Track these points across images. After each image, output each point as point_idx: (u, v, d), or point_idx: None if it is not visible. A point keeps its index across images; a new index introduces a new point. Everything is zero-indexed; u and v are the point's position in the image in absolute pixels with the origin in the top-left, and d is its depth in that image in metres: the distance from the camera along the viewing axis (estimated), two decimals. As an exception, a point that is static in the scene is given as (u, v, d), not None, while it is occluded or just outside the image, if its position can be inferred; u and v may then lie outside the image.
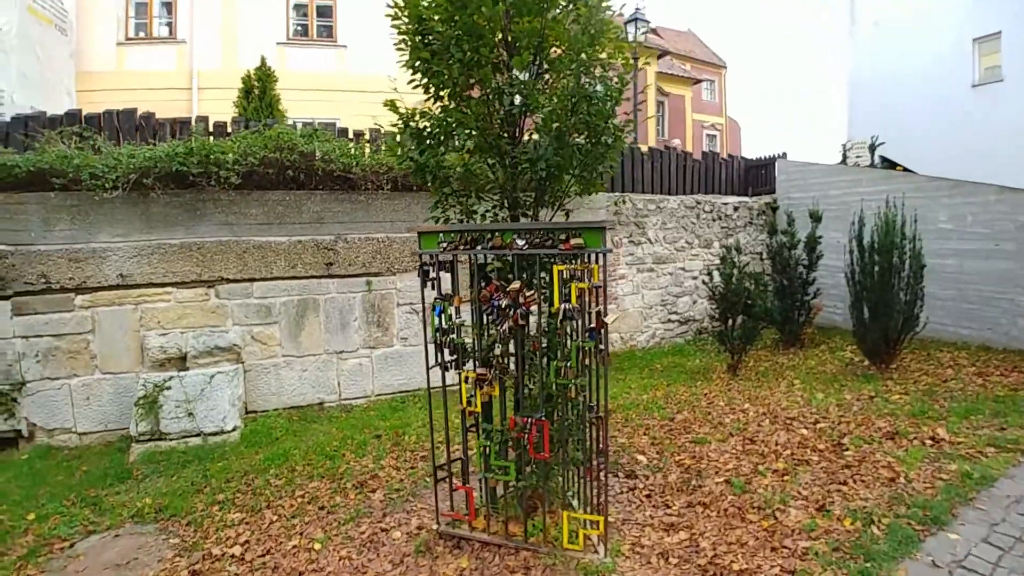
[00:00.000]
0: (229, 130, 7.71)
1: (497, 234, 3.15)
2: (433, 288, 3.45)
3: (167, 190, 6.32)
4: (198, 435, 5.90)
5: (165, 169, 6.14)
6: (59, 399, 6.04)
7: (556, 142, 3.33)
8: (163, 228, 6.43)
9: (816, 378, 7.10)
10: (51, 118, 7.09)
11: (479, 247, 3.21)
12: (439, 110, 3.29)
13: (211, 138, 6.97)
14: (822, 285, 8.99)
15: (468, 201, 3.57)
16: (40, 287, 6.02)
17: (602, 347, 3.07)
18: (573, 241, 2.92)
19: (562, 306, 3.00)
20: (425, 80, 3.20)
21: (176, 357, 6.43)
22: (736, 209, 10.39)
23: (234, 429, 6.08)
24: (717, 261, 9.89)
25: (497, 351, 3.27)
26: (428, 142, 3.35)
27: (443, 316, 3.38)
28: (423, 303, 3.46)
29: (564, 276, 3.01)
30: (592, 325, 3.04)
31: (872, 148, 13.19)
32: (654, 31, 25.32)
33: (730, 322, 7.58)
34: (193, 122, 7.77)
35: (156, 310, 6.43)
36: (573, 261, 3.00)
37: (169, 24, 12.42)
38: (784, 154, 12.56)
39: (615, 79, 3.26)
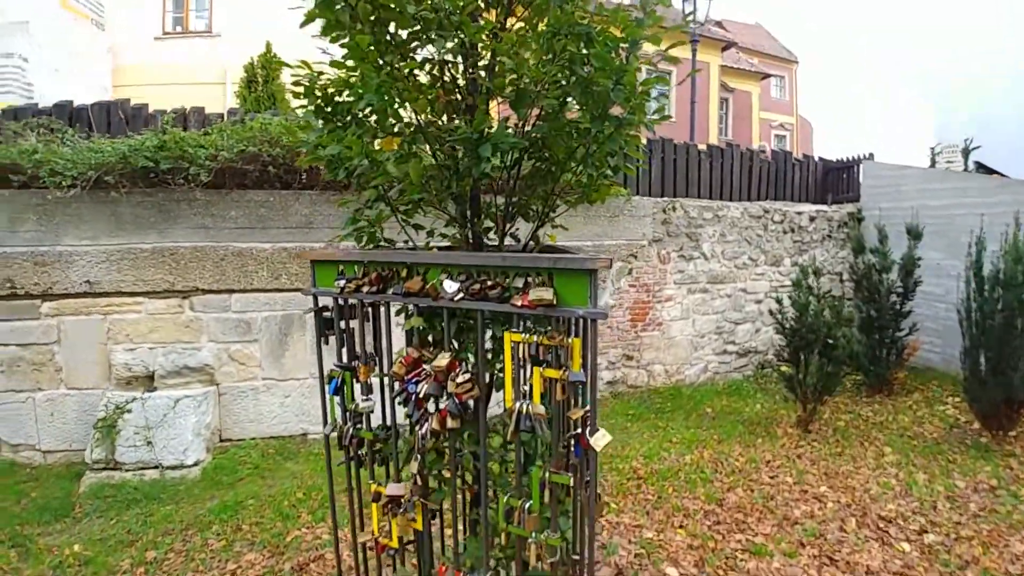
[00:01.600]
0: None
1: (417, 270, 1.80)
2: (344, 345, 2.15)
3: (135, 189, 5.39)
4: (156, 467, 5.10)
5: (131, 165, 5.18)
6: (24, 413, 5.44)
7: (550, 119, 1.96)
8: (133, 231, 5.53)
9: (913, 447, 5.33)
10: (40, 111, 6.29)
11: (391, 290, 1.87)
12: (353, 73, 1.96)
13: (194, 131, 5.94)
14: (917, 317, 7.09)
15: (404, 208, 2.23)
16: (6, 292, 5.36)
17: (588, 479, 1.67)
18: (535, 294, 1.54)
19: (517, 406, 1.63)
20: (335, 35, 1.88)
21: (143, 375, 5.58)
22: (812, 220, 8.56)
23: (195, 464, 5.21)
24: (787, 283, 8.13)
25: (413, 467, 1.91)
26: (342, 118, 2.03)
27: (344, 393, 2.07)
28: (320, 368, 2.16)
29: (522, 354, 1.63)
30: (568, 442, 1.65)
31: (966, 153, 10.99)
32: (718, 23, 23.04)
33: (803, 362, 5.90)
34: (225, 116, 6.76)
35: (125, 322, 5.61)
36: (541, 326, 1.63)
37: (206, 18, 11.76)
38: (871, 155, 10.51)
39: (639, 13, 1.83)
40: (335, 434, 2.19)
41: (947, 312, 6.89)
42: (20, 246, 5.32)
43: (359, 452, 2.16)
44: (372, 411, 2.11)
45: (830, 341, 5.83)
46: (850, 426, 5.99)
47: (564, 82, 1.86)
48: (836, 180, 10.70)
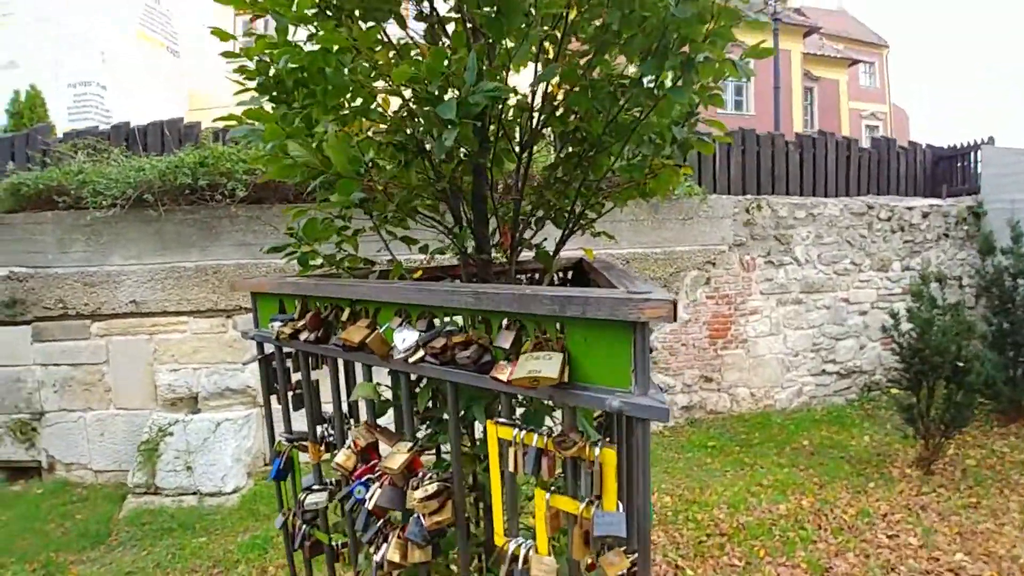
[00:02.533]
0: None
1: (363, 309, 1.13)
2: (296, 406, 1.51)
3: (176, 207, 5.17)
4: (195, 493, 4.90)
5: (171, 182, 4.99)
6: (76, 432, 5.38)
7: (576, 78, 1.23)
8: (176, 249, 5.34)
9: (1077, 496, 4.10)
10: (100, 132, 6.26)
11: (333, 338, 1.20)
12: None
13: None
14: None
15: (388, 216, 1.56)
16: (58, 312, 5.29)
17: None
18: (528, 365, 0.81)
19: (510, 550, 0.91)
20: None
21: (187, 396, 5.44)
22: (925, 216, 7.19)
23: (234, 491, 4.93)
24: (897, 290, 6.85)
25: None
26: (297, 100, 1.39)
27: (295, 478, 1.42)
28: (269, 423, 1.54)
29: (515, 461, 0.91)
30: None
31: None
32: (796, 10, 21.06)
33: (925, 389, 4.75)
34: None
35: (170, 342, 5.45)
36: (543, 415, 0.90)
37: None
38: (991, 139, 8.89)
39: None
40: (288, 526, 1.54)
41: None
42: (71, 266, 5.23)
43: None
44: (325, 507, 1.44)
45: (960, 364, 4.65)
46: (982, 466, 4.78)
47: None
48: (949, 170, 9.16)
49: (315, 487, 1.45)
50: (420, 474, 1.10)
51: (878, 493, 4.36)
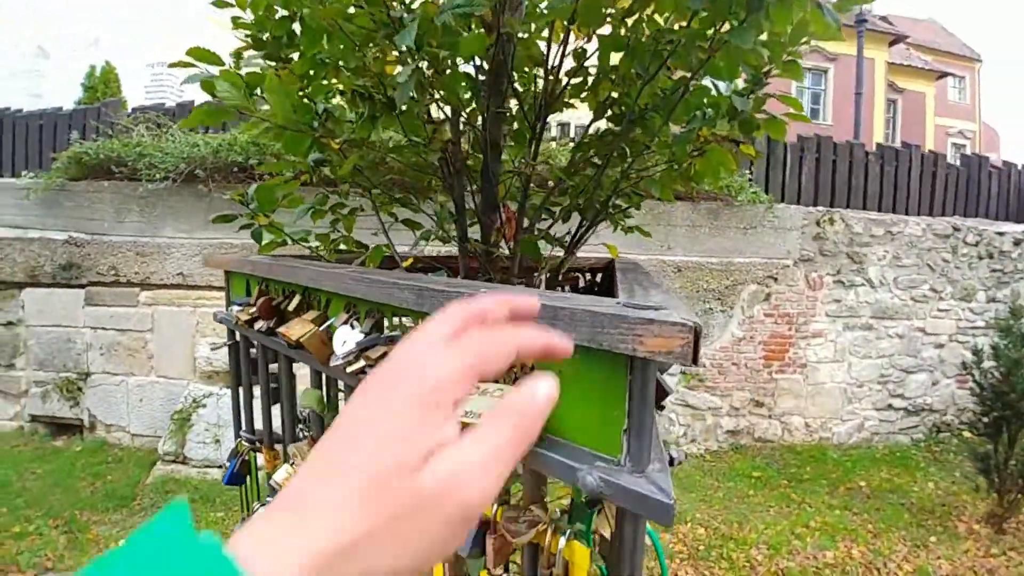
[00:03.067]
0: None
1: (313, 299, 0.89)
2: (274, 400, 1.30)
3: (226, 184, 5.19)
4: (220, 467, 4.85)
5: (222, 160, 5.02)
6: (117, 395, 5.50)
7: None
8: (225, 225, 5.28)
9: None
10: (166, 110, 6.39)
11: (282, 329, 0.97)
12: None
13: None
14: None
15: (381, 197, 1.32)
16: (110, 279, 5.41)
17: None
18: (471, 406, 0.53)
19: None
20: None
21: (223, 371, 5.40)
22: (1017, 244, 6.38)
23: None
24: (979, 323, 6.12)
25: None
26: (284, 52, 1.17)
27: (247, 491, 1.21)
28: (236, 418, 1.33)
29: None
30: None
31: None
32: (883, 18, 19.60)
33: (1005, 437, 4.16)
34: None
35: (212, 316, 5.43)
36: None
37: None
38: (1104, 164, 7.89)
39: None
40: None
41: None
42: (125, 235, 5.33)
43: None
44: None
45: (1053, 414, 4.05)
46: (1067, 531, 4.14)
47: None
48: (1049, 194, 8.20)
49: (268, 500, 1.23)
50: None
51: (940, 549, 3.84)
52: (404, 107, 0.93)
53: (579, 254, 1.43)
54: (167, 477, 4.75)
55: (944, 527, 4.16)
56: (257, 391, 1.43)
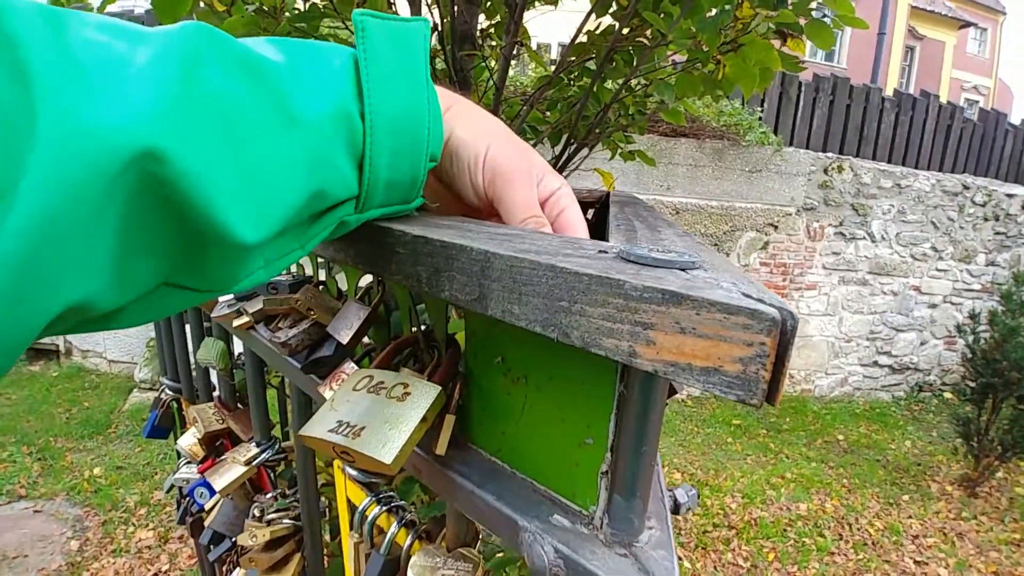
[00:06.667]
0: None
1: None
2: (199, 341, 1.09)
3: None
4: None
5: None
6: None
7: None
8: None
9: None
10: (135, 16, 5.80)
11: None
12: None
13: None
14: None
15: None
16: None
17: None
18: (343, 413, 0.32)
19: None
20: None
21: None
22: (1026, 206, 6.17)
23: None
24: (976, 287, 5.98)
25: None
26: None
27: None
28: (160, 358, 1.12)
29: (358, 560, 0.44)
30: None
31: None
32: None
33: (991, 405, 4.11)
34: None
35: None
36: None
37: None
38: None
39: None
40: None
41: None
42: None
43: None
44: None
45: (1040, 383, 3.97)
46: (1034, 498, 4.18)
47: None
48: (1065, 158, 7.92)
49: (189, 460, 1.04)
50: (269, 496, 0.67)
51: (912, 509, 3.84)
52: None
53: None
54: (143, 405, 4.64)
55: (917, 486, 4.17)
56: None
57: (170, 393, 1.14)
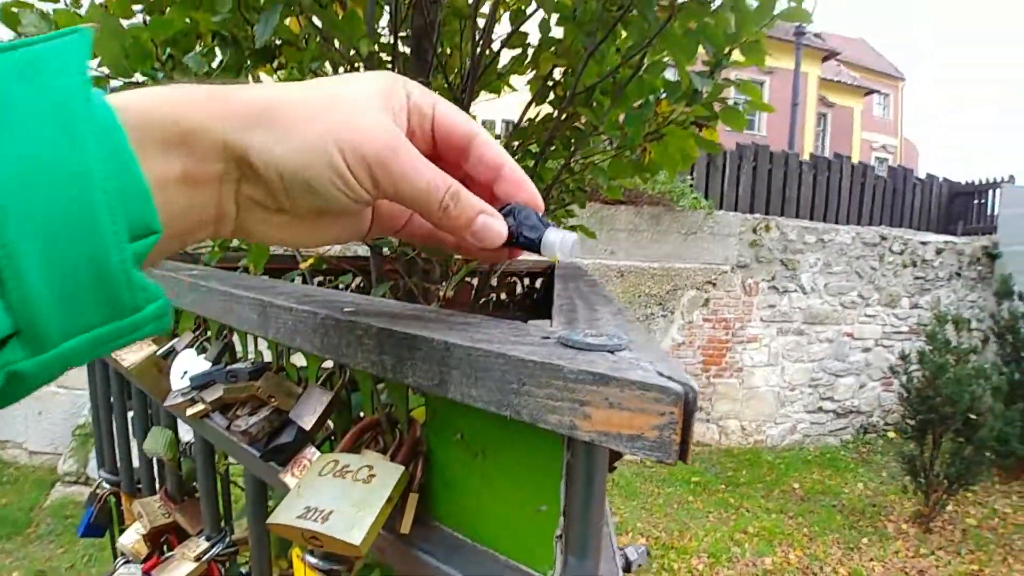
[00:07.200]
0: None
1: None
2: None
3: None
4: None
5: None
6: (14, 408, 4.77)
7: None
8: None
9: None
10: None
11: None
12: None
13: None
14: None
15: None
16: None
17: None
18: (312, 500, 0.34)
19: None
20: None
21: None
22: (939, 252, 6.74)
23: None
24: (903, 329, 6.40)
25: None
26: None
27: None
28: (98, 448, 1.07)
29: None
30: None
31: None
32: (817, 35, 20.64)
33: (932, 441, 4.33)
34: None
35: None
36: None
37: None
38: (1011, 177, 8.50)
39: None
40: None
41: None
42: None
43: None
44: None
45: (972, 417, 4.23)
46: (984, 527, 4.36)
47: None
48: (964, 207, 8.79)
49: (130, 559, 0.98)
50: (191, 548, 0.64)
51: (872, 551, 3.93)
52: (282, 58, 0.72)
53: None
54: (67, 500, 4.32)
55: (874, 527, 4.27)
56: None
57: (107, 487, 1.08)
